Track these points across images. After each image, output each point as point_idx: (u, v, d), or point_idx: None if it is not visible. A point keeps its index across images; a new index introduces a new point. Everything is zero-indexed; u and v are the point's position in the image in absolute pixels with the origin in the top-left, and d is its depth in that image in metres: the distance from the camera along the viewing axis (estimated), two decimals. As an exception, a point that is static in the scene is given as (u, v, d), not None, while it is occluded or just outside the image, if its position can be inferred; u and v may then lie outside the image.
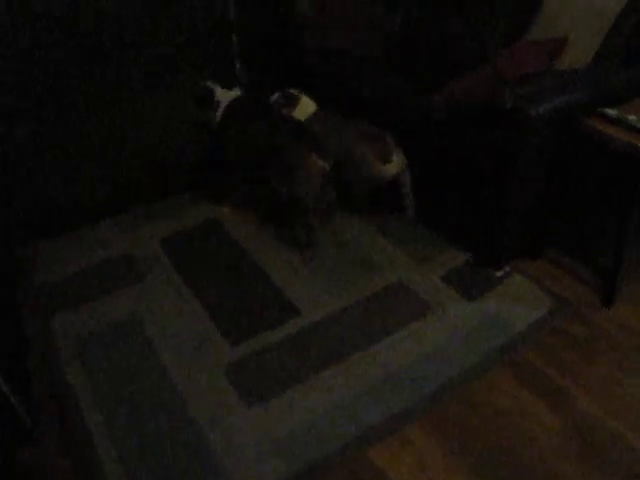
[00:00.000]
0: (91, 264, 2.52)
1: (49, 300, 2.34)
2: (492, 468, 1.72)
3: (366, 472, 1.73)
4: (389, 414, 1.86)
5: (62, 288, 2.40)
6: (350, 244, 2.54)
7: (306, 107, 2.59)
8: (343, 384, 1.96)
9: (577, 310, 2.21)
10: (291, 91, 2.61)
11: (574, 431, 1.81)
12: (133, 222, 2.75)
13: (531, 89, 2.11)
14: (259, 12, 3.32)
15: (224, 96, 2.66)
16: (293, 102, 2.57)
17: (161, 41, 2.86)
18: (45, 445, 1.80)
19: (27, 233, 2.63)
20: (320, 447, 1.77)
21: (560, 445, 1.77)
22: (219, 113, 2.64)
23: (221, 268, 2.44)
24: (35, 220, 2.65)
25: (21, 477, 1.66)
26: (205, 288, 2.35)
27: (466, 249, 2.49)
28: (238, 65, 3.37)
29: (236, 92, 2.72)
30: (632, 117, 2.01)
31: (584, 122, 2.06)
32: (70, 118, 2.66)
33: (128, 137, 2.79)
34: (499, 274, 2.36)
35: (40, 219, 2.66)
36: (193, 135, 2.88)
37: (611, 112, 2.05)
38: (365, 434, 1.81)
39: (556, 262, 2.42)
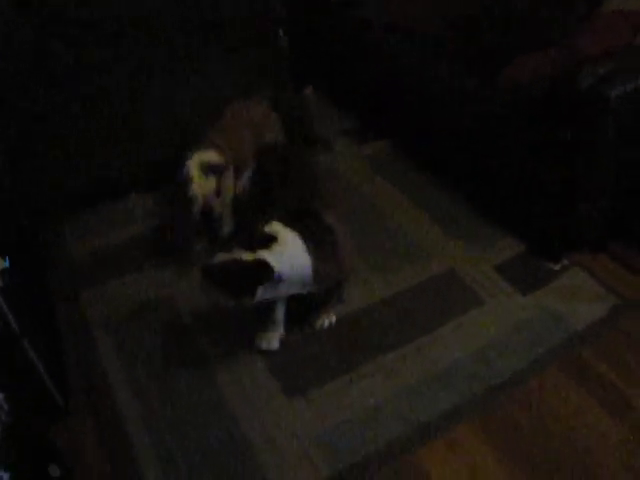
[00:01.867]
0: (122, 239, 2.45)
1: (80, 276, 2.29)
2: (547, 476, 1.61)
3: (411, 474, 1.63)
4: (437, 413, 1.75)
5: (92, 264, 2.34)
6: (399, 230, 2.41)
7: None
8: (388, 379, 1.85)
9: (641, 310, 2.05)
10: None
11: (636, 439, 1.68)
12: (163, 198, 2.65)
13: (611, 68, 1.92)
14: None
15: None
16: None
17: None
18: (77, 423, 1.76)
19: (57, 208, 2.56)
20: (363, 446, 1.67)
21: (622, 454, 1.64)
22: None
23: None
24: (63, 197, 2.58)
25: (53, 453, 1.60)
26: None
27: (521, 239, 2.33)
28: (281, 34, 3.20)
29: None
30: None
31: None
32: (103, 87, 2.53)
33: (156, 116, 2.64)
34: (556, 267, 2.21)
35: (68, 197, 2.58)
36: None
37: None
38: (411, 433, 1.70)
39: (619, 258, 2.25)
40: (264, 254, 1.61)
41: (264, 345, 1.93)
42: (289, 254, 1.65)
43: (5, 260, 1.55)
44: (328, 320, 2.01)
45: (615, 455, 1.65)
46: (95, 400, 1.85)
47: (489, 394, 1.80)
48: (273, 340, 1.93)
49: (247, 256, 1.60)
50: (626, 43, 2.07)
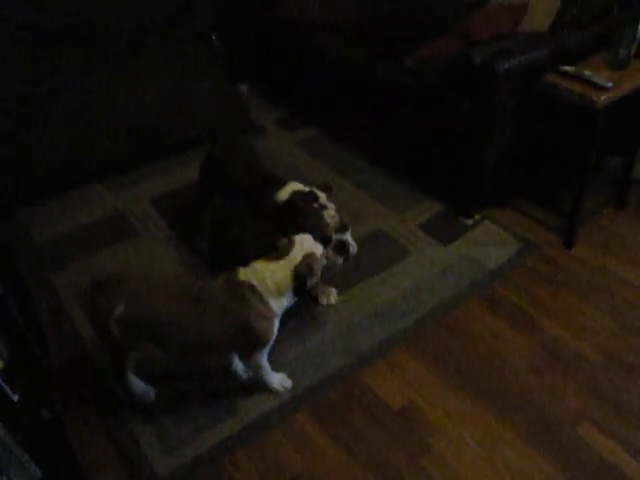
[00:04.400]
0: (85, 223, 2.63)
1: (49, 258, 2.45)
2: (472, 382, 1.93)
3: (358, 391, 1.91)
4: (377, 341, 2.05)
5: (60, 246, 2.51)
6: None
7: None
8: (335, 318, 2.14)
9: (542, 251, 2.43)
10: None
11: (542, 350, 2.03)
12: (120, 186, 2.86)
13: (497, 48, 2.31)
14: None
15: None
16: None
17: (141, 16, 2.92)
18: (63, 383, 1.93)
19: (19, 199, 2.71)
20: (316, 373, 1.95)
21: (530, 361, 1.99)
22: None
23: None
24: (25, 187, 2.72)
25: (44, 399, 1.75)
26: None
27: (439, 201, 2.68)
28: (214, 37, 3.47)
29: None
30: (587, 72, 2.23)
31: (545, 78, 2.27)
32: (57, 85, 2.72)
33: (112, 105, 2.86)
34: (470, 222, 2.57)
35: (29, 186, 2.73)
36: (174, 103, 2.98)
37: (568, 68, 2.27)
38: (356, 359, 2.00)
39: (522, 210, 2.64)
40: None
41: (325, 301, 2.20)
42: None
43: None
44: (332, 297, 2.23)
45: (523, 361, 2.00)
46: (76, 362, 2.02)
47: (420, 324, 2.12)
48: (331, 296, 2.21)
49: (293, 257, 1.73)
50: (509, 30, 2.48)
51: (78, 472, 1.64)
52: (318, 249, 1.75)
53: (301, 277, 1.69)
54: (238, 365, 1.94)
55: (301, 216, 1.91)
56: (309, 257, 1.71)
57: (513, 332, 2.10)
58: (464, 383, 1.93)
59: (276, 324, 1.75)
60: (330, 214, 1.95)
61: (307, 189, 2.05)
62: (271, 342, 1.77)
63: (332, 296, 2.21)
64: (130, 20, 2.75)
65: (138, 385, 1.86)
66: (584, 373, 1.95)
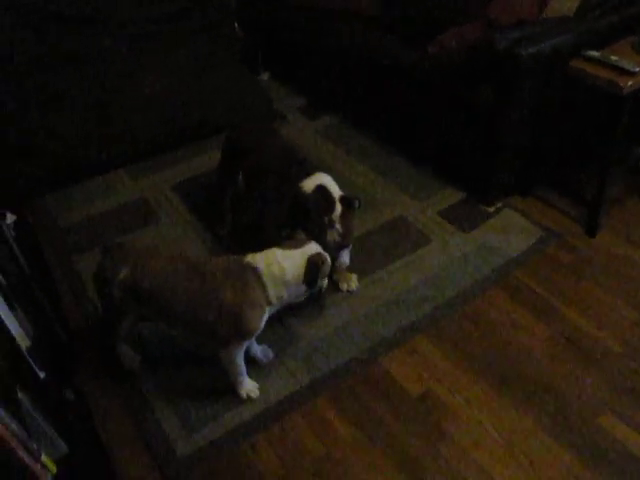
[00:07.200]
0: (108, 209, 2.66)
1: (72, 241, 2.49)
2: (491, 370, 1.92)
3: (378, 376, 1.92)
4: (396, 328, 2.05)
5: (83, 230, 2.54)
6: (353, 186, 2.70)
7: None
8: (355, 304, 2.15)
9: (564, 239, 2.40)
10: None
11: (562, 338, 2.02)
12: (143, 172, 2.89)
13: (521, 34, 2.28)
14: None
15: None
16: None
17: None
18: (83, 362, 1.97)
19: (44, 185, 2.75)
20: (336, 358, 1.96)
21: (550, 350, 1.98)
22: None
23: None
24: (50, 173, 2.76)
25: (67, 379, 1.79)
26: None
27: (460, 189, 2.66)
28: (236, 25, 3.48)
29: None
30: (614, 57, 2.19)
31: (570, 63, 2.24)
32: (75, 74, 2.75)
33: (135, 92, 2.88)
34: (491, 210, 2.55)
35: (54, 172, 2.76)
36: (195, 91, 2.99)
37: (594, 54, 2.23)
38: (376, 345, 2.00)
39: (544, 198, 2.61)
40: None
41: (346, 287, 2.20)
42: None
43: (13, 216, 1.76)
44: (353, 283, 2.22)
45: (542, 348, 1.99)
46: (98, 344, 2.05)
47: (440, 311, 2.11)
48: (352, 282, 2.21)
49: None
50: (534, 16, 2.44)
51: (101, 450, 1.67)
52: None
53: (314, 267, 1.66)
54: (258, 350, 1.95)
55: (307, 221, 1.89)
56: (323, 255, 1.71)
57: (533, 320, 2.09)
58: (483, 371, 1.93)
59: (265, 316, 1.70)
60: (333, 236, 1.93)
61: (331, 185, 1.99)
62: (254, 335, 1.74)
63: (353, 282, 2.21)
64: (152, 7, 2.76)
65: (127, 352, 1.92)
66: (604, 362, 1.93)
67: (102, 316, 1.92)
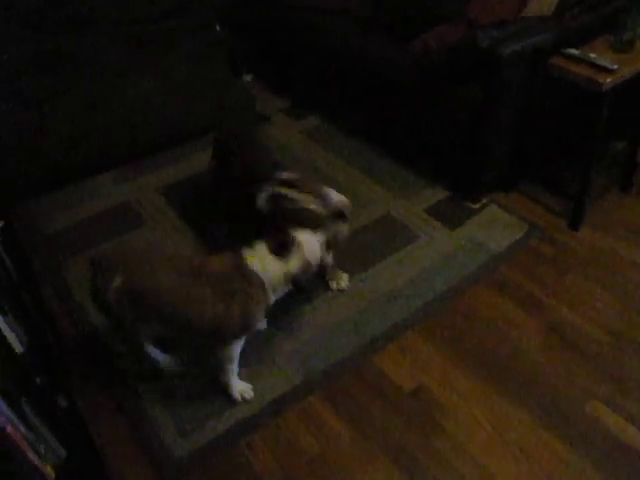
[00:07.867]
0: (93, 213, 2.64)
1: (58, 247, 2.46)
2: (482, 364, 1.95)
3: (370, 373, 1.93)
4: (388, 325, 2.06)
5: (68, 235, 2.52)
6: (339, 186, 2.70)
7: None
8: (346, 303, 2.16)
9: (548, 234, 2.45)
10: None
11: (550, 331, 2.06)
12: (127, 176, 2.87)
13: (502, 33, 2.31)
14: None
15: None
16: None
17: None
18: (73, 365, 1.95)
19: (29, 189, 2.72)
20: (329, 356, 1.97)
21: (539, 342, 2.02)
22: None
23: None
24: (34, 178, 2.72)
25: (60, 385, 1.78)
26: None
27: (445, 186, 2.69)
28: (218, 28, 3.47)
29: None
30: (593, 55, 2.23)
31: (550, 61, 2.28)
32: (65, 78, 2.73)
33: (119, 96, 2.86)
34: (476, 206, 2.58)
35: (38, 177, 2.73)
36: (178, 93, 2.98)
37: (573, 52, 2.27)
38: (368, 342, 2.01)
39: (527, 194, 2.66)
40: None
41: (336, 286, 2.21)
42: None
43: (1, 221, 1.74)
44: (343, 282, 2.24)
45: (532, 342, 2.02)
46: (88, 349, 2.04)
47: (430, 307, 2.13)
48: (342, 281, 2.22)
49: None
50: (514, 15, 2.48)
51: (96, 456, 1.66)
52: (316, 248, 1.77)
53: (297, 282, 1.75)
54: None
55: (285, 216, 1.90)
56: (306, 265, 1.74)
57: (521, 314, 2.12)
58: (474, 365, 1.95)
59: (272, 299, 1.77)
60: (310, 200, 1.91)
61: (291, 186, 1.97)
62: (253, 331, 1.78)
63: (343, 281, 2.23)
64: (135, 9, 2.74)
65: (156, 353, 1.89)
66: (592, 352, 1.97)
67: (114, 329, 1.89)
